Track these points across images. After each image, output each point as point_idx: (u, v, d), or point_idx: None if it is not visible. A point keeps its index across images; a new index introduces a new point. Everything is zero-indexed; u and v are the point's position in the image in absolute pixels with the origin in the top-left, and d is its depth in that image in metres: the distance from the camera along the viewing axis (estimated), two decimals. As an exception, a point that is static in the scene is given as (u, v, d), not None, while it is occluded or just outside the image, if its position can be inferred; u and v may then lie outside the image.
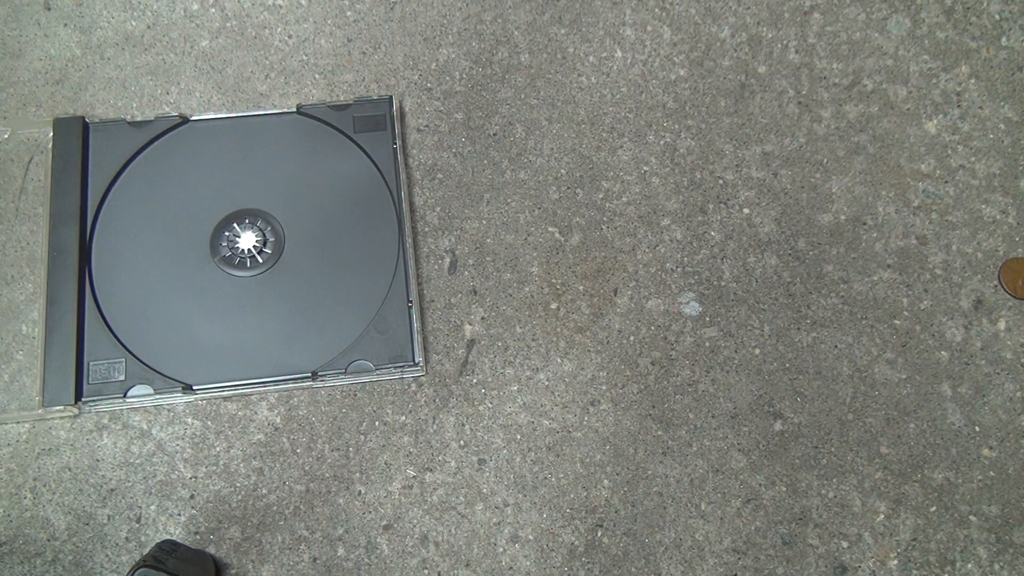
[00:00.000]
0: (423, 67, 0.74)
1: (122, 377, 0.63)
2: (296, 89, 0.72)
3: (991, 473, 0.66)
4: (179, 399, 0.64)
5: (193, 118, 0.70)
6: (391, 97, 0.71)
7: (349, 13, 0.75)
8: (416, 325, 0.65)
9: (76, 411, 0.63)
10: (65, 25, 0.73)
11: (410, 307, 0.65)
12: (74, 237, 0.66)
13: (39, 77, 0.72)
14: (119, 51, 0.73)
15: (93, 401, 0.63)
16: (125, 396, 0.63)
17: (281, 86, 0.72)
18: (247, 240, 0.67)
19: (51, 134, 0.68)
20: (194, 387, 0.63)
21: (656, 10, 0.76)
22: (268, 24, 0.74)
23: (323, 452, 0.64)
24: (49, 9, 0.73)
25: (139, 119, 0.70)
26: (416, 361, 0.64)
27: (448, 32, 0.74)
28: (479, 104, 0.73)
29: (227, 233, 0.67)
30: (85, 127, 0.69)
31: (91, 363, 0.63)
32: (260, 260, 0.67)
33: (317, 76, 0.73)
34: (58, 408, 0.62)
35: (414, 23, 0.75)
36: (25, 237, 0.68)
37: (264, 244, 0.67)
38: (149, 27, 0.73)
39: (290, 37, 0.74)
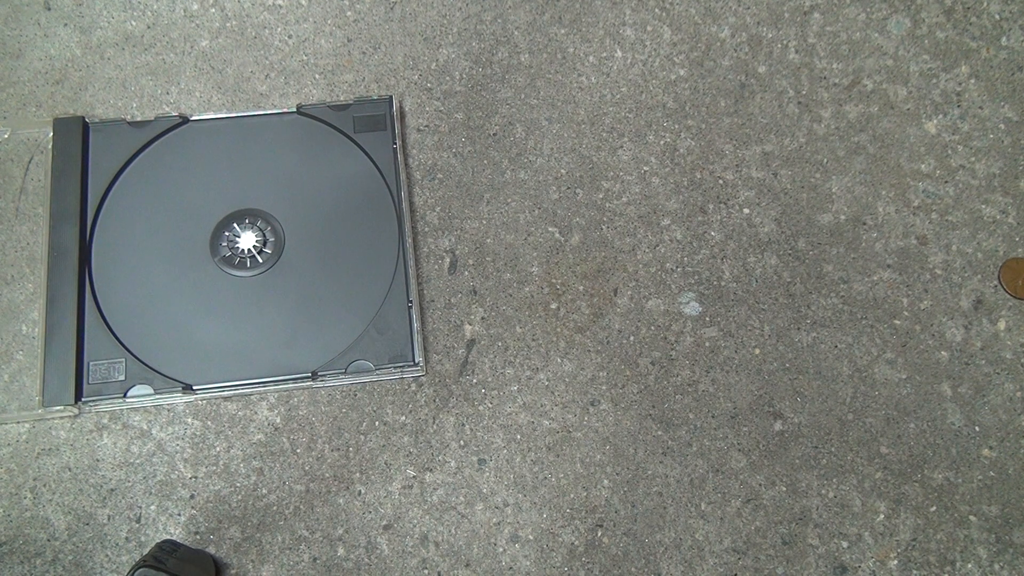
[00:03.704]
0: (423, 67, 0.74)
1: (122, 377, 0.63)
2: (296, 89, 0.72)
3: (991, 473, 0.66)
4: (179, 399, 0.64)
5: (193, 118, 0.70)
6: (391, 97, 0.71)
7: (349, 13, 0.75)
8: (416, 325, 0.65)
9: (76, 411, 0.63)
10: (65, 25, 0.73)
11: (410, 307, 0.65)
12: (74, 237, 0.66)
13: (39, 77, 0.72)
14: (119, 51, 0.73)
15: (93, 401, 0.63)
16: (125, 396, 0.63)
17: (281, 86, 0.72)
18: (247, 240, 0.67)
19: (51, 134, 0.68)
20: (194, 387, 0.63)
21: (656, 10, 0.76)
22: (268, 24, 0.74)
23: (323, 452, 0.64)
24: (49, 9, 0.73)
25: (139, 119, 0.70)
26: (416, 361, 0.64)
27: (448, 32, 0.74)
28: (479, 104, 0.73)
29: (227, 233, 0.67)
30: (85, 127, 0.69)
31: (91, 363, 0.63)
32: (260, 260, 0.67)
33: (317, 76, 0.73)
34: (58, 408, 0.62)
35: (414, 23, 0.74)
36: (25, 237, 0.68)
37: (264, 244, 0.67)
38: (149, 27, 0.73)
39: (290, 37, 0.74)
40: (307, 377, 0.64)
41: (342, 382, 0.65)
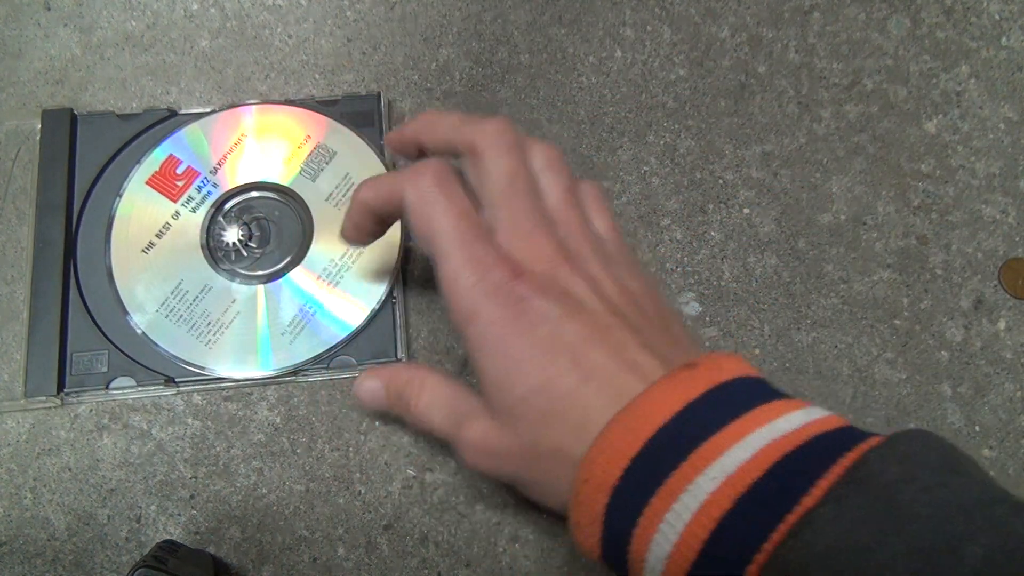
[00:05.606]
0: (423, 67, 0.74)
1: (104, 368, 0.63)
2: (296, 89, 0.72)
3: (991, 473, 0.66)
4: (162, 391, 0.63)
5: (181, 111, 0.69)
6: (379, 93, 0.70)
7: (349, 13, 0.75)
8: (399, 321, 0.65)
9: (59, 401, 0.63)
10: (65, 25, 0.73)
11: (393, 303, 0.65)
12: (60, 228, 0.65)
13: (39, 77, 0.72)
14: (119, 51, 0.73)
15: (75, 392, 0.62)
16: (107, 388, 0.62)
17: (281, 86, 0.72)
18: (232, 234, 0.66)
19: (39, 126, 0.68)
20: (176, 380, 0.63)
21: (656, 10, 0.76)
22: (268, 24, 0.74)
23: (323, 452, 0.64)
24: (49, 9, 0.73)
25: (127, 111, 0.69)
26: (399, 357, 0.64)
27: (448, 32, 0.74)
28: (479, 104, 0.73)
29: (212, 227, 0.67)
30: (73, 119, 0.68)
31: (74, 354, 0.63)
32: (245, 254, 0.66)
33: (317, 76, 0.73)
34: (40, 399, 0.62)
35: (414, 23, 0.75)
36: (27, 237, 0.68)
37: (249, 238, 0.66)
38: (149, 27, 0.73)
39: (290, 37, 0.74)
40: (289, 372, 0.63)
41: (323, 378, 0.65)
